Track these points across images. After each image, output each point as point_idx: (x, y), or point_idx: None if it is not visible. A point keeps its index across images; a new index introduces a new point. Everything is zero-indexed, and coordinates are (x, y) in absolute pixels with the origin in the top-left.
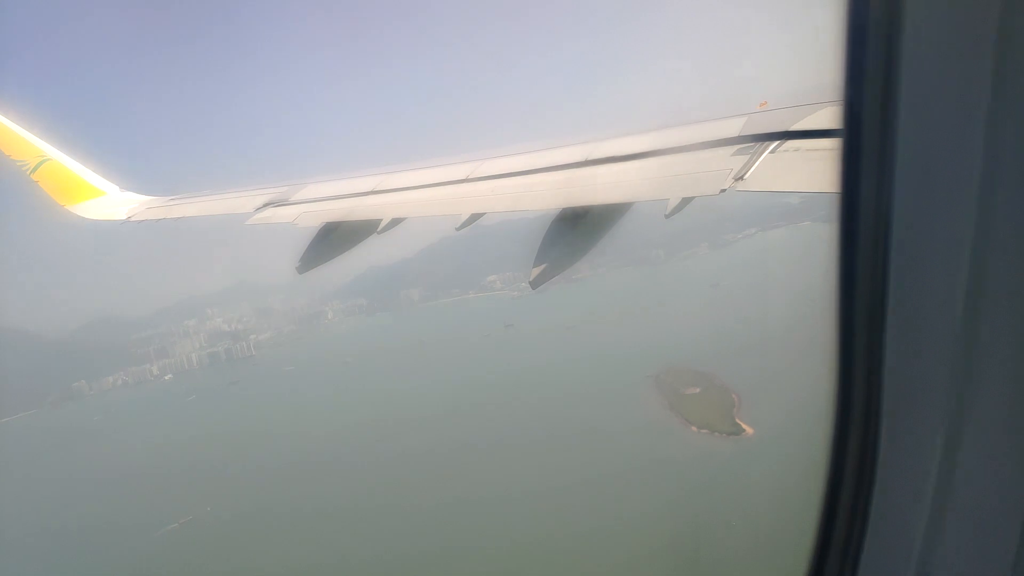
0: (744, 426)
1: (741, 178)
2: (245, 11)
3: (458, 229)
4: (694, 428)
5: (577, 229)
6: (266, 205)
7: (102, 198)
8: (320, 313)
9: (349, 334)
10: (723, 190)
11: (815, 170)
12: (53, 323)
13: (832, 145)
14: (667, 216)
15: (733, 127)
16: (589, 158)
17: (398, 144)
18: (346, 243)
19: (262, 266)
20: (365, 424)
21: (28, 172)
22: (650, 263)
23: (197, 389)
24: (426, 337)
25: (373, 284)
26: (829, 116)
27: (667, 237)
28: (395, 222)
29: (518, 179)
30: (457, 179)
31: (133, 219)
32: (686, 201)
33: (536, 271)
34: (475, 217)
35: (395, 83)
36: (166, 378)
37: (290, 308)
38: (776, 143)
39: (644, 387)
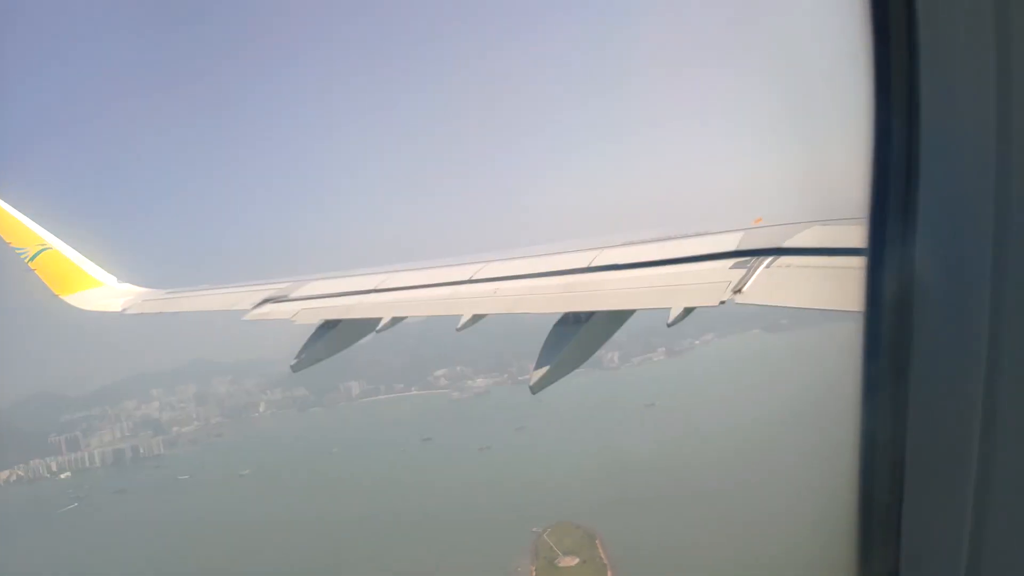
0: None
1: (739, 291)
2: (250, 104)
3: (459, 330)
4: None
5: (580, 334)
6: (265, 301)
7: (99, 289)
8: (253, 404)
9: (264, 436)
10: (723, 302)
11: (807, 286)
12: None
13: (822, 262)
14: (669, 325)
15: (731, 241)
16: (592, 264)
17: (401, 243)
18: (344, 341)
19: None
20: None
21: (26, 260)
22: (602, 367)
23: (84, 494)
24: (340, 446)
25: (321, 370)
26: (817, 234)
27: (628, 339)
28: (395, 321)
29: (521, 282)
30: (459, 280)
31: (128, 312)
32: (688, 311)
33: (538, 375)
34: (477, 318)
35: (399, 181)
36: (62, 476)
37: (231, 393)
38: (771, 258)
39: (519, 546)
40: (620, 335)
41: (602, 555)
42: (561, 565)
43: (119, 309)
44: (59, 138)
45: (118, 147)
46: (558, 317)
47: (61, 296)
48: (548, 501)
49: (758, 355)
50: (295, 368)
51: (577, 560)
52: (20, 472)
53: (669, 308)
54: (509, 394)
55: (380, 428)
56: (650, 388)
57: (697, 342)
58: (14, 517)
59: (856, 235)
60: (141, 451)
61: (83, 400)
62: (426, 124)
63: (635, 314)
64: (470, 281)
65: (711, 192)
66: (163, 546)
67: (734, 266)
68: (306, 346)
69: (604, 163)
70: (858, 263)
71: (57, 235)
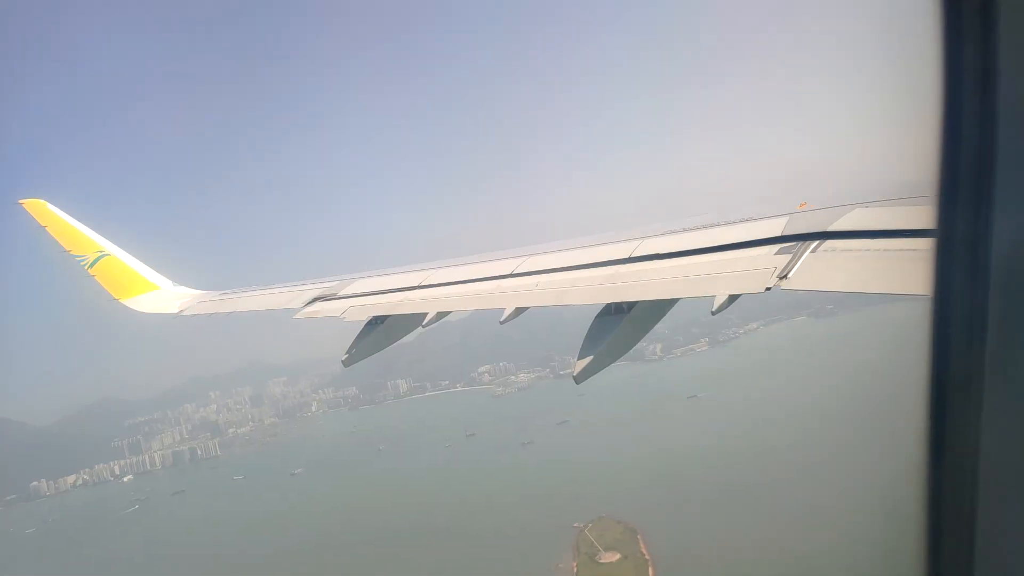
0: None
1: (785, 276)
2: (294, 112)
3: (502, 322)
4: None
5: (623, 324)
6: (315, 300)
7: (156, 292)
8: (306, 404)
9: (316, 435)
10: (768, 288)
11: (854, 270)
12: (55, 408)
13: (869, 245)
14: (713, 312)
15: (775, 227)
16: (634, 255)
17: (446, 240)
18: (392, 336)
19: (281, 346)
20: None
21: (86, 267)
22: (644, 360)
23: (145, 496)
24: (387, 443)
25: (368, 369)
26: (862, 217)
27: (670, 330)
28: (440, 316)
29: (563, 274)
30: (502, 274)
31: (185, 313)
32: (733, 298)
33: (581, 364)
34: (520, 311)
35: (442, 179)
36: (125, 479)
37: (285, 394)
38: (816, 243)
39: (561, 542)
40: (662, 326)
41: (643, 550)
42: (603, 561)
43: (176, 311)
44: (108, 146)
45: (165, 154)
46: (600, 308)
47: (120, 300)
48: (589, 496)
49: (805, 342)
50: (346, 363)
51: (619, 556)
52: (86, 476)
53: (713, 297)
54: (551, 389)
55: (426, 424)
56: (693, 379)
57: (741, 331)
58: (80, 519)
59: (902, 217)
60: (199, 453)
61: (145, 404)
62: (460, 125)
63: (678, 304)
64: (512, 275)
65: (751, 181)
66: (217, 545)
67: (779, 252)
68: (356, 342)
69: (640, 156)
70: (906, 245)
71: (113, 241)
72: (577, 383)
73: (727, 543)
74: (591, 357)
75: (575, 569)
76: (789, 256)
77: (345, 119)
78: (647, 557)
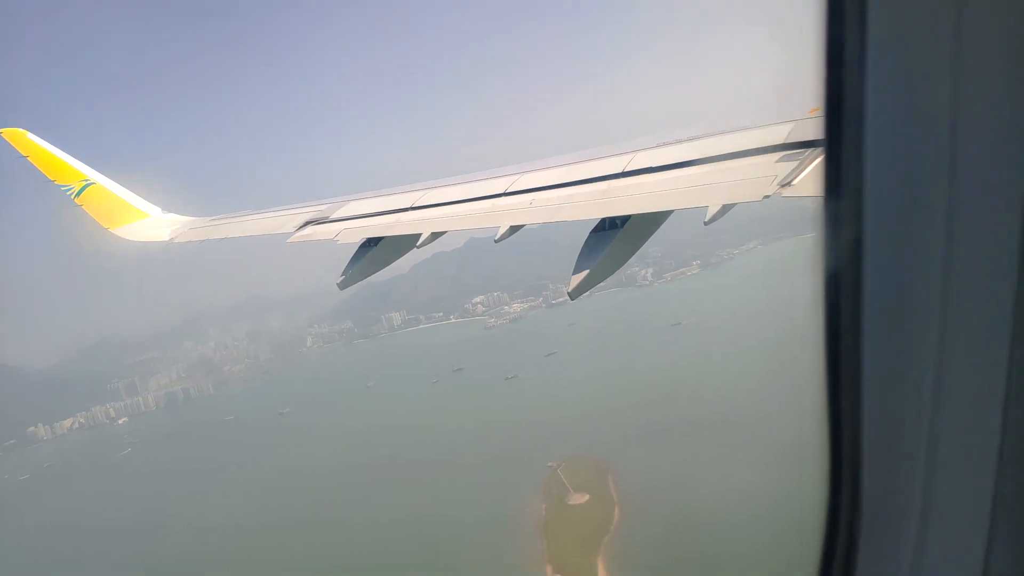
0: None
1: (788, 184)
2: (284, 35)
3: (497, 241)
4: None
5: (616, 238)
6: (307, 224)
7: (145, 220)
8: (301, 340)
9: (308, 372)
10: (767, 196)
11: None
12: (53, 350)
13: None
14: (706, 223)
15: (780, 134)
16: (627, 169)
17: (438, 159)
18: (386, 258)
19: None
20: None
21: (72, 196)
22: (635, 285)
23: (138, 440)
24: (375, 379)
25: (364, 302)
26: None
27: (662, 252)
28: (435, 236)
29: (557, 191)
30: (495, 193)
31: (176, 240)
32: (727, 208)
33: (576, 280)
34: (514, 229)
35: (432, 98)
36: (120, 422)
37: (282, 329)
38: None
39: (534, 483)
40: (654, 248)
41: (612, 491)
42: (571, 503)
43: (167, 238)
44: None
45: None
46: (594, 224)
47: (110, 229)
48: (567, 432)
49: (803, 261)
50: (341, 285)
51: (587, 497)
52: (82, 420)
53: (707, 207)
54: (543, 317)
55: (416, 359)
56: (679, 306)
57: (736, 252)
58: (75, 464)
59: None
60: (192, 393)
61: (144, 343)
62: (450, 42)
63: (671, 224)
64: (505, 194)
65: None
66: (202, 489)
67: (782, 159)
68: (350, 264)
69: (627, 74)
70: None
71: (97, 170)
72: (572, 299)
73: (691, 480)
74: (585, 273)
75: (544, 512)
76: (795, 163)
77: (333, 36)
78: (614, 498)
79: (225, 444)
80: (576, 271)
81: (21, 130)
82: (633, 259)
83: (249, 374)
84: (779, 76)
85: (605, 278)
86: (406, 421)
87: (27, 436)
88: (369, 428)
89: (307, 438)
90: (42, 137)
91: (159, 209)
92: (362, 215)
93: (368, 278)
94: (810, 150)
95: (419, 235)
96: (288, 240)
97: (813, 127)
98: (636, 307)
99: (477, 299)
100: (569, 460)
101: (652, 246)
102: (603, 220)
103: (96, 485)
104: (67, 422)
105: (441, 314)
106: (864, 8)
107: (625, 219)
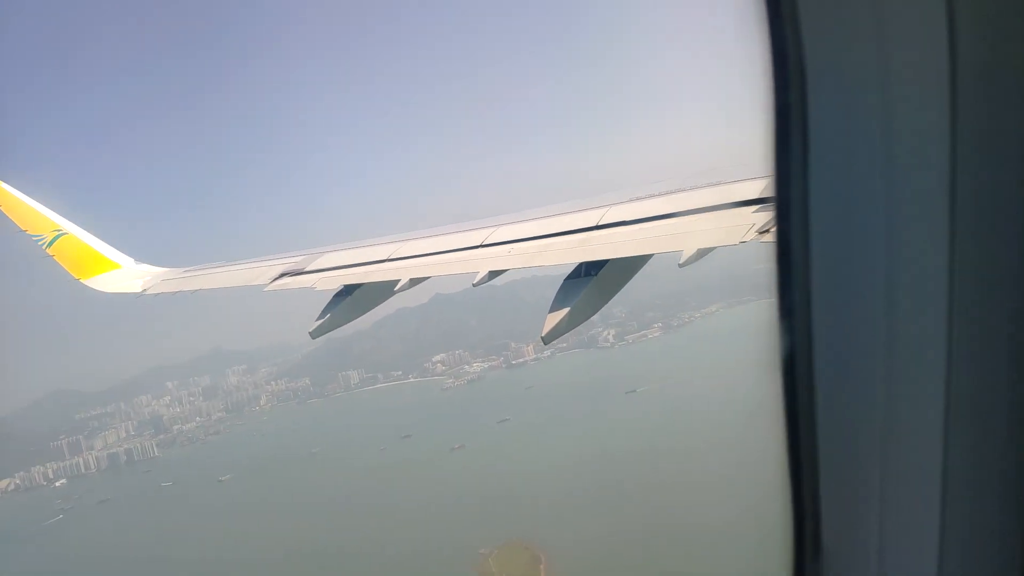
0: None
1: (767, 231)
2: (258, 85)
3: (475, 285)
4: None
5: (592, 283)
6: (282, 275)
7: (117, 271)
8: (256, 397)
9: (256, 434)
10: (743, 241)
11: None
12: (3, 402)
13: None
14: (680, 265)
15: (757, 188)
16: (603, 222)
17: (412, 214)
18: (363, 306)
19: (249, 332)
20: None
21: (44, 246)
22: (597, 346)
23: (71, 505)
24: (322, 445)
25: (326, 358)
26: None
27: (626, 314)
28: (413, 282)
29: (534, 242)
30: (473, 244)
31: (148, 292)
32: (703, 252)
33: (550, 322)
34: (494, 275)
35: (407, 154)
36: (57, 484)
37: (240, 385)
38: None
39: (464, 571)
40: (618, 310)
41: None
42: None
43: (139, 290)
44: (64, 126)
45: (121, 131)
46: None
47: (81, 280)
48: (505, 513)
49: (760, 326)
50: (314, 333)
51: None
52: (18, 480)
53: (681, 251)
54: (502, 379)
55: (366, 423)
56: (638, 370)
57: (698, 315)
58: (3, 531)
59: None
60: (135, 455)
61: (100, 396)
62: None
63: (633, 285)
64: (483, 246)
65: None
66: (121, 568)
67: (759, 210)
68: (324, 311)
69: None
70: None
71: (70, 220)
72: (545, 343)
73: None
74: (560, 317)
75: None
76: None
77: (306, 89)
78: None
79: (159, 513)
80: (551, 311)
81: None
82: (596, 318)
83: (197, 434)
84: (754, 132)
85: (578, 324)
86: (342, 497)
87: None
88: (304, 504)
89: (236, 512)
90: (13, 186)
91: (132, 260)
92: (337, 266)
93: (338, 328)
94: None
95: (397, 281)
96: (265, 289)
97: None
98: (595, 370)
99: (437, 357)
100: (502, 546)
101: (616, 307)
102: (579, 267)
103: (10, 560)
104: (3, 483)
105: (400, 372)
106: (804, 81)
107: (601, 266)
